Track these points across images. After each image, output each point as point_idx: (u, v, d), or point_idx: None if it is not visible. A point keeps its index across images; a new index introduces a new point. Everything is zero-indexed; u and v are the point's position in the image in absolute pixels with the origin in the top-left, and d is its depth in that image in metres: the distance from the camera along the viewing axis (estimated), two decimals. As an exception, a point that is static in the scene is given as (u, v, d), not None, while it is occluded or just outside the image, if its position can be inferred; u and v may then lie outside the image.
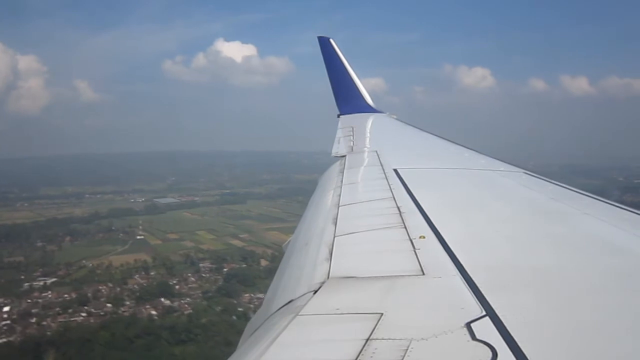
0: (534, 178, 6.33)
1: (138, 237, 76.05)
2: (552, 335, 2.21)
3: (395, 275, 2.95)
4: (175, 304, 49.96)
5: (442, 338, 2.14)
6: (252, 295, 51.99)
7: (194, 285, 55.71)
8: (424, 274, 2.94)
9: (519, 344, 2.03)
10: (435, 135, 10.85)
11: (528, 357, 1.94)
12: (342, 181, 6.30)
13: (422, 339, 2.14)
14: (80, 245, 71.11)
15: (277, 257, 65.52)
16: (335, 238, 3.85)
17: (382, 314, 2.42)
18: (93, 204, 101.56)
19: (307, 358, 2.21)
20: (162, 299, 50.51)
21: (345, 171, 7.02)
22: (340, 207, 4.84)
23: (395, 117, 14.23)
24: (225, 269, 60.31)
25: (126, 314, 47.26)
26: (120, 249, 69.49)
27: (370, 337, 2.19)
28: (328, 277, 3.05)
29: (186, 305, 49.61)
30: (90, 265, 61.53)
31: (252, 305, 48.88)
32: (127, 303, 49.97)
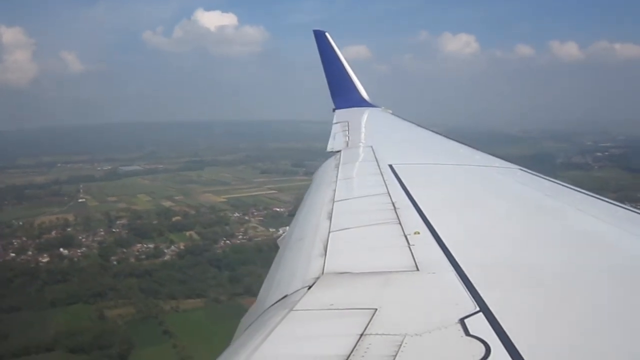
0: (528, 174, 6.35)
1: (79, 200, 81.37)
2: (545, 331, 2.22)
3: (390, 271, 2.97)
4: (71, 252, 57.12)
5: (436, 334, 2.16)
6: (143, 245, 58.98)
7: (99, 238, 62.60)
8: (418, 270, 2.96)
9: (513, 340, 2.06)
10: (431, 130, 10.96)
11: (521, 353, 1.96)
12: (337, 176, 6.31)
13: (416, 334, 2.15)
14: (21, 208, 76.09)
15: (191, 215, 71.66)
16: (330, 233, 3.86)
17: (376, 309, 2.43)
18: (59, 172, 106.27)
19: (301, 353, 2.22)
20: (61, 249, 57.52)
21: (340, 166, 7.02)
22: (335, 203, 4.86)
23: (390, 111, 14.20)
24: (135, 226, 67.04)
25: (23, 261, 54.65)
26: (57, 210, 74.16)
27: (365, 333, 2.20)
28: (322, 273, 3.07)
29: (79, 253, 56.85)
30: (20, 223, 67.37)
31: (137, 254, 55.91)
32: (30, 252, 56.59)
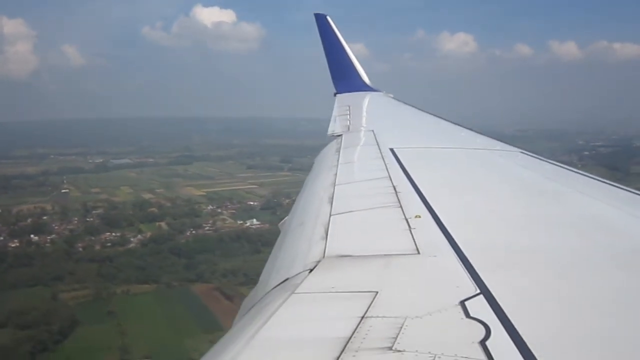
0: (530, 157, 6.36)
1: (63, 191, 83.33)
2: (545, 313, 2.25)
3: (391, 254, 2.99)
4: (41, 239, 59.12)
5: (437, 316, 2.17)
6: (112, 234, 61.27)
7: (71, 226, 64.59)
8: (419, 253, 2.98)
9: (513, 321, 2.07)
10: (432, 114, 10.87)
11: (521, 335, 1.97)
12: (338, 160, 6.31)
13: (417, 316, 2.17)
14: (6, 197, 77.75)
15: (166, 207, 73.61)
16: (331, 217, 3.88)
17: (377, 292, 2.45)
18: (51, 164, 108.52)
19: (302, 335, 2.24)
20: (32, 235, 59.56)
21: (341, 150, 7.02)
22: (336, 187, 4.88)
23: (391, 96, 14.15)
24: (109, 215, 69.04)
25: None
26: (39, 200, 75.52)
27: (366, 315, 2.22)
28: (324, 256, 3.09)
29: (48, 240, 59.13)
30: (-1, 211, 71.05)
31: (104, 241, 58.14)
32: (1, 238, 59.26)
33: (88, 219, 67.33)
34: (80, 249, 56.86)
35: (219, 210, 73.57)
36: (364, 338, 2.04)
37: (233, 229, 64.44)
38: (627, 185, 4.95)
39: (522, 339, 1.95)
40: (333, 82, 14.57)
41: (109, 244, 58.60)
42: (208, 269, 51.52)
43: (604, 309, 2.33)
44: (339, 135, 8.46)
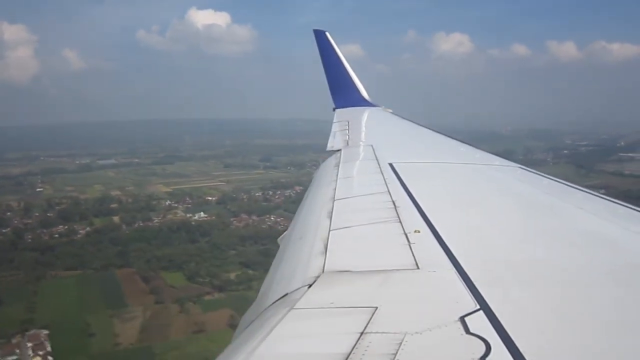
0: (528, 173, 6.40)
1: (37, 190, 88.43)
2: (545, 329, 2.24)
3: (390, 270, 2.99)
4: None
5: (436, 332, 2.17)
6: (64, 226, 65.56)
7: (30, 221, 68.06)
8: (418, 268, 2.98)
9: (513, 338, 2.07)
10: (430, 129, 11.01)
11: (522, 351, 1.97)
12: (337, 175, 6.35)
13: (416, 332, 2.17)
14: None
15: (127, 202, 77.49)
16: (330, 232, 3.89)
17: (376, 307, 2.45)
18: (39, 165, 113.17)
19: (301, 351, 2.24)
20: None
21: (340, 165, 7.09)
22: (335, 201, 4.90)
23: (390, 111, 14.30)
24: (68, 211, 73.09)
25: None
26: (11, 198, 79.82)
27: (365, 331, 2.22)
28: (323, 271, 3.09)
29: (2, 231, 63.85)
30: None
31: (53, 233, 62.35)
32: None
33: (49, 214, 71.66)
34: (30, 240, 61.13)
35: (176, 205, 77.39)
36: (363, 354, 2.04)
37: (179, 221, 68.12)
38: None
39: (522, 355, 1.95)
40: (332, 97, 14.83)
41: (56, 236, 62.53)
42: (137, 256, 55.25)
43: (604, 324, 2.32)
44: (338, 150, 8.54)
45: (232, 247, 58.25)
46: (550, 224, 4.10)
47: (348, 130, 10.80)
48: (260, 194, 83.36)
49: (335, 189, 5.49)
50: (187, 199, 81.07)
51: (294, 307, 2.63)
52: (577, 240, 3.70)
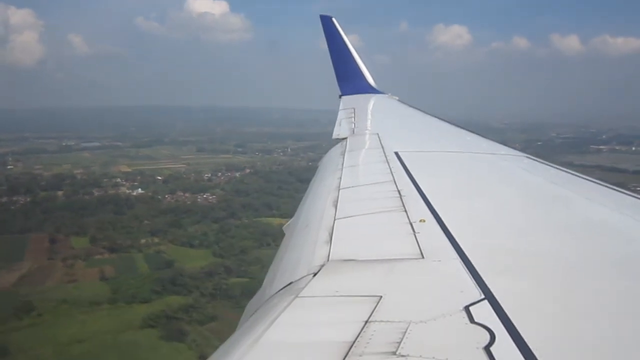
0: (535, 162, 6.38)
1: (8, 167, 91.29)
2: (550, 319, 2.24)
3: (395, 259, 3.00)
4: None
5: (441, 321, 2.18)
6: (11, 198, 69.30)
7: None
8: (423, 257, 3.00)
9: (517, 327, 2.07)
10: (437, 117, 10.93)
11: (526, 341, 1.97)
12: (343, 164, 6.34)
13: (421, 321, 2.17)
14: None
15: (81, 179, 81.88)
16: (336, 221, 3.90)
17: (381, 296, 2.46)
18: (23, 146, 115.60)
19: (306, 339, 2.25)
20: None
21: (346, 154, 7.06)
22: (340, 190, 4.89)
23: (396, 98, 14.21)
24: (19, 184, 76.87)
25: None
26: None
27: (370, 320, 2.23)
28: (328, 260, 3.11)
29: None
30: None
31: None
32: None
33: (1, 187, 76.09)
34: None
35: (124, 183, 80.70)
36: (368, 342, 2.05)
37: (111, 195, 72.43)
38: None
39: (526, 344, 1.96)
40: (338, 83, 14.64)
41: (-2, 206, 66.53)
42: (55, 222, 58.56)
43: (608, 314, 2.33)
44: (344, 139, 8.52)
45: (148, 219, 61.74)
46: (556, 214, 4.09)
47: (354, 118, 10.77)
48: (209, 175, 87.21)
49: (340, 178, 5.51)
50: (139, 177, 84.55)
51: (299, 296, 2.66)
52: (584, 230, 3.70)
